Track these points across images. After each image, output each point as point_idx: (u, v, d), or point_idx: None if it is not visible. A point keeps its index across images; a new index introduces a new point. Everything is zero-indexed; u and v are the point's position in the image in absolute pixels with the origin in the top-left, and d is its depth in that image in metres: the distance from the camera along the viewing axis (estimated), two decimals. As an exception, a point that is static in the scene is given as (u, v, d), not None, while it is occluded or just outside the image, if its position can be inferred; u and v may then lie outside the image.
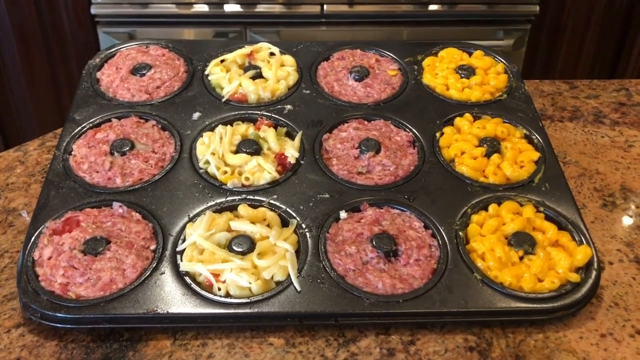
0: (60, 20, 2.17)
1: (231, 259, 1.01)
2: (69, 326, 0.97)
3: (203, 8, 2.13)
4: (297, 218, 1.09)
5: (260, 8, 2.14)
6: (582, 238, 1.08)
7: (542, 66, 2.47)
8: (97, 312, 0.96)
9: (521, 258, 1.05)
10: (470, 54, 1.45)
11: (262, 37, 2.17)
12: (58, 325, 0.97)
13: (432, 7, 2.20)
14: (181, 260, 1.03)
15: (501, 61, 1.44)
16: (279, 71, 1.35)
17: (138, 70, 1.36)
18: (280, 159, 1.19)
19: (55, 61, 2.24)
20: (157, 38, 2.09)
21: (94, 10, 2.12)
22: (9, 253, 1.10)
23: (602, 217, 1.21)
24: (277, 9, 2.14)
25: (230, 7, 2.13)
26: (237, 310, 0.97)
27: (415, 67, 1.42)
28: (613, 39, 2.46)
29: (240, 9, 2.14)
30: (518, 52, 2.30)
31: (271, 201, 1.12)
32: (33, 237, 1.05)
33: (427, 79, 1.39)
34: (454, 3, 2.18)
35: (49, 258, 1.03)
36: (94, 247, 1.03)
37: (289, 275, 1.01)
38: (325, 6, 2.15)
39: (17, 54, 2.20)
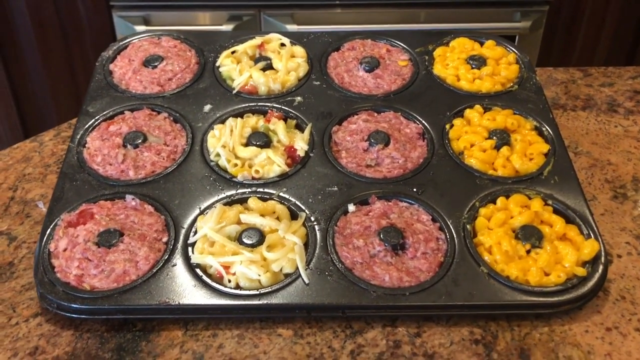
0: (76, 3, 2.18)
1: (241, 251, 1.03)
2: (84, 316, 1.00)
3: (217, -8, 2.13)
4: (306, 211, 1.10)
5: (275, -9, 2.13)
6: (590, 232, 1.08)
7: (560, 49, 2.43)
8: (110, 303, 0.99)
9: (528, 252, 1.06)
10: (481, 44, 1.44)
11: (276, 20, 2.17)
12: (73, 315, 1.00)
13: (448, -11, 2.17)
14: (192, 253, 1.05)
15: (513, 51, 1.42)
16: (289, 62, 1.35)
17: (150, 62, 1.37)
18: (290, 151, 1.20)
19: (71, 45, 2.26)
20: (171, 23, 2.14)
21: (109, -7, 2.13)
22: (26, 243, 1.14)
23: (613, 209, 1.20)
24: (291, -9, 2.13)
25: (245, -9, 2.13)
26: (246, 302, 0.99)
27: (426, 57, 1.41)
28: (633, 22, 2.40)
29: (255, -8, 2.13)
30: (535, 35, 2.26)
31: (280, 194, 1.13)
32: (49, 229, 1.08)
33: (437, 69, 1.38)
34: (471, -16, 2.15)
35: (64, 250, 1.05)
36: (108, 239, 1.05)
37: (297, 268, 1.02)
38: (339, -12, 2.14)
39: (34, 39, 2.22)
